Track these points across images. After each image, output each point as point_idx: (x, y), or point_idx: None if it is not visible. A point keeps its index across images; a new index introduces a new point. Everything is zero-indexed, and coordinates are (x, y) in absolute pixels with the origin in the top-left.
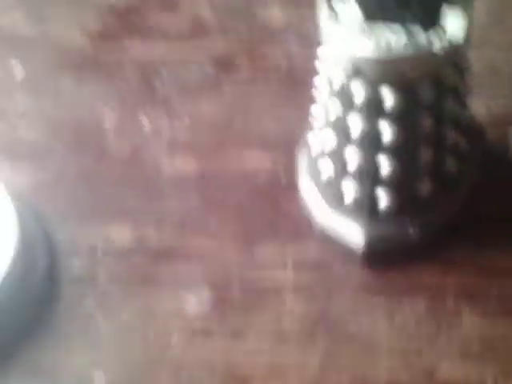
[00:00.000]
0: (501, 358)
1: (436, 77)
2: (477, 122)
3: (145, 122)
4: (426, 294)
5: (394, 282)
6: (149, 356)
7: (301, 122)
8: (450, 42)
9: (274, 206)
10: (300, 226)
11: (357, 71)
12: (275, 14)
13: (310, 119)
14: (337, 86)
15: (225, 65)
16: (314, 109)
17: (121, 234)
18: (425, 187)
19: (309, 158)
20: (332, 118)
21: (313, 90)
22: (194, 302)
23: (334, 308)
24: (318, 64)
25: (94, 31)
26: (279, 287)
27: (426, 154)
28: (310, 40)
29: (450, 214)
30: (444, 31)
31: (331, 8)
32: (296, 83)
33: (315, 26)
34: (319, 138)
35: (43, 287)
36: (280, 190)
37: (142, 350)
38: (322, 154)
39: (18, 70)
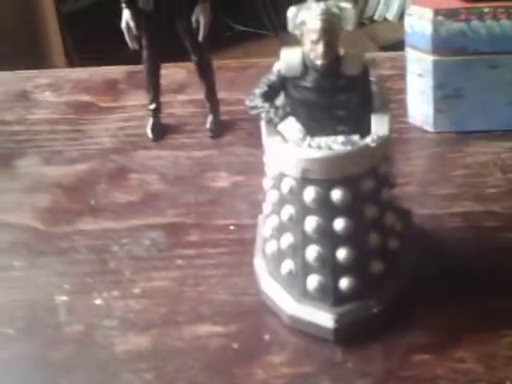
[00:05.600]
0: None
1: (374, 170)
2: (403, 206)
3: (97, 300)
4: None
5: None
6: None
7: (252, 288)
8: (379, 137)
9: (228, 380)
10: None
11: (308, 176)
12: (223, 181)
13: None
14: (289, 195)
15: (175, 234)
16: (266, 217)
17: None
18: (377, 267)
19: (267, 261)
20: (288, 223)
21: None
22: None
23: None
24: (265, 179)
25: (45, 210)
26: None
27: (374, 238)
28: (257, 199)
29: (398, 288)
30: (374, 133)
31: (275, 128)
32: (246, 249)
33: (260, 186)
34: (274, 242)
35: None
36: (235, 363)
37: None
38: (281, 255)
39: None
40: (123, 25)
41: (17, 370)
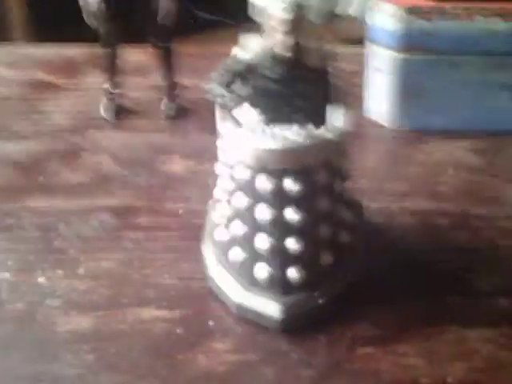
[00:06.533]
0: None
1: (328, 162)
2: (355, 199)
3: (41, 278)
4: None
5: None
6: None
7: (199, 274)
8: (334, 128)
9: (170, 365)
10: None
11: (261, 164)
12: (175, 165)
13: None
14: (242, 182)
15: (124, 216)
16: (216, 203)
17: None
18: (326, 259)
19: (215, 248)
20: (239, 210)
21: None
22: None
23: None
24: (218, 165)
25: None
26: None
27: (324, 230)
28: (208, 185)
29: (347, 281)
30: (330, 124)
31: (230, 114)
32: (195, 234)
33: (213, 174)
34: (224, 229)
35: None
36: (178, 348)
37: None
38: (231, 242)
39: None
40: (81, 2)
41: None
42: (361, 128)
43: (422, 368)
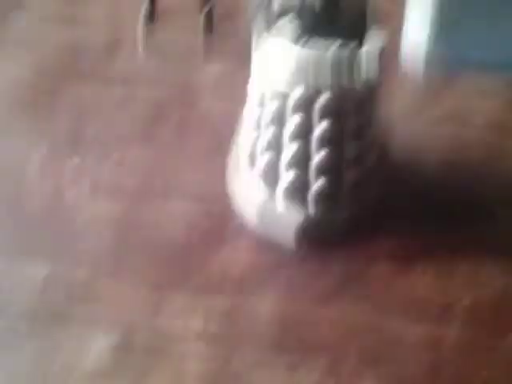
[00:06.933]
0: None
1: (359, 110)
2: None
3: (72, 162)
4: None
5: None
6: None
7: (223, 176)
8: (367, 80)
9: (188, 257)
10: (211, 280)
11: (295, 76)
12: (214, 65)
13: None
14: (275, 90)
15: (160, 110)
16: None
17: (35, 271)
18: (350, 176)
19: (246, 154)
20: (270, 116)
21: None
22: (101, 342)
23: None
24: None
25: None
26: (186, 335)
27: (351, 148)
28: (245, 89)
29: (369, 199)
30: (362, 71)
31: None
32: (228, 135)
33: (245, 82)
34: (256, 135)
35: None
36: (202, 243)
37: None
38: (261, 145)
39: None
40: None
41: None
42: (393, 72)
43: (435, 290)
